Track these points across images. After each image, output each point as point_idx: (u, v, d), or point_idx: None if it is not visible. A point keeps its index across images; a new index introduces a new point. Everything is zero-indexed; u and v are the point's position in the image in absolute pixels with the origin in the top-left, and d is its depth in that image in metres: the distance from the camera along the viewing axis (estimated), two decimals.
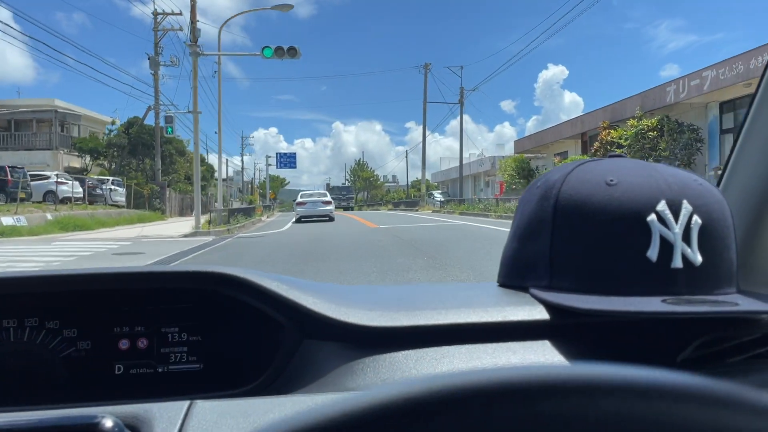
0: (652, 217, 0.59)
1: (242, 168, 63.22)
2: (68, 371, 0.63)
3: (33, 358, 0.63)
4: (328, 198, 22.30)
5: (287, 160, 60.73)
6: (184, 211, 29.76)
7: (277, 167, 60.80)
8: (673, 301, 0.55)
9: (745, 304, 0.55)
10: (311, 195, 23.46)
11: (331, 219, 21.10)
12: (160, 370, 0.65)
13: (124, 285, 0.64)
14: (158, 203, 28.04)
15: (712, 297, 0.56)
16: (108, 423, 0.46)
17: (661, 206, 0.59)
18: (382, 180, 77.20)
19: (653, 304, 0.54)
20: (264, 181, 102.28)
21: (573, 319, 0.59)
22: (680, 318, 0.54)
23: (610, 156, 0.68)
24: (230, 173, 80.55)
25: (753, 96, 0.74)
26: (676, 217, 0.59)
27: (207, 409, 0.50)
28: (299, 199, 22.87)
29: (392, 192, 70.08)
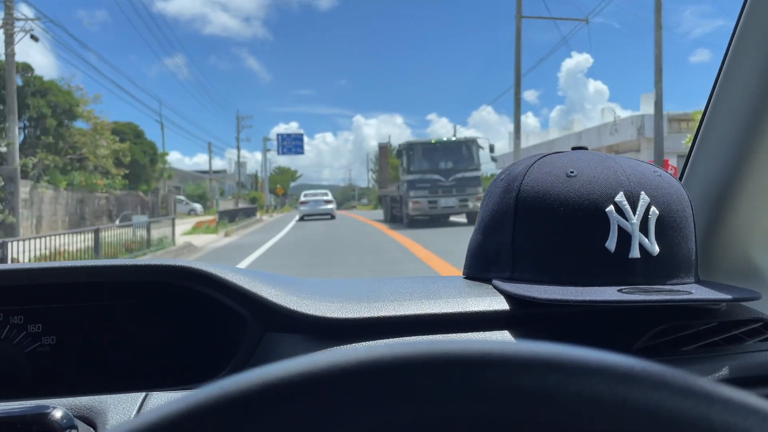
0: (611, 208, 0.62)
1: (238, 156, 45.45)
2: (33, 366, 0.65)
3: None
4: (330, 197, 24.98)
5: (292, 144, 47.12)
6: (82, 224, 15.58)
7: (279, 153, 47.35)
8: (629, 291, 0.57)
9: (698, 293, 0.58)
10: (315, 194, 26.62)
11: (332, 217, 23.66)
12: (124, 363, 0.65)
13: (86, 278, 0.66)
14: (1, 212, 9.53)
15: (668, 286, 0.59)
16: (57, 414, 0.48)
17: (620, 197, 0.62)
18: None
19: (609, 293, 0.57)
20: (273, 175, 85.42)
21: (533, 309, 0.61)
22: (637, 307, 0.57)
23: (574, 148, 0.71)
24: (223, 165, 61.88)
25: (712, 89, 0.79)
26: (634, 208, 0.62)
27: (162, 400, 0.52)
28: (302, 199, 26.14)
29: None
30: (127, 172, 17.59)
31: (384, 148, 29.03)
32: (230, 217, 18.07)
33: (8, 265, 0.65)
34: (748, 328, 0.62)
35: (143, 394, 0.54)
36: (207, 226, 15.11)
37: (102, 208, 16.52)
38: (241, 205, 44.25)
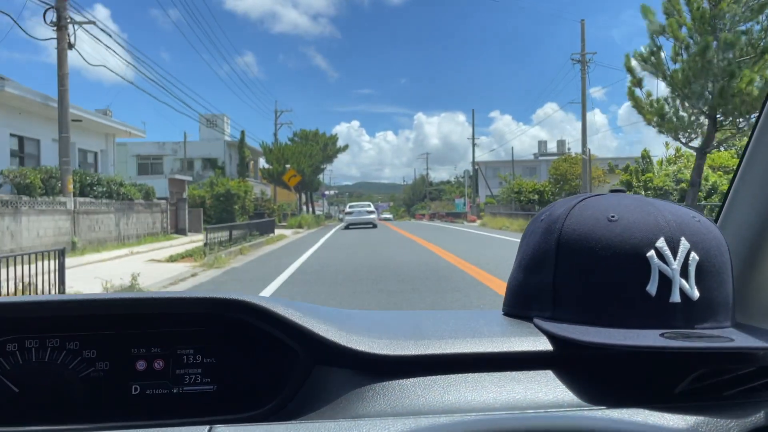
0: (652, 253, 0.70)
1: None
2: (87, 391, 0.75)
3: (53, 377, 0.74)
4: (371, 208, 32.70)
5: None
6: None
7: None
8: (671, 336, 0.67)
9: (740, 339, 0.68)
10: (359, 206, 33.71)
11: (374, 226, 31.88)
12: (175, 391, 0.76)
13: (142, 310, 0.77)
14: None
15: (708, 331, 0.71)
16: None
17: (660, 243, 0.71)
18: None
19: (651, 338, 0.67)
20: (292, 143, 42.53)
21: (575, 350, 0.70)
22: (678, 352, 0.71)
23: (612, 191, 0.83)
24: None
25: (751, 133, 0.91)
26: (675, 253, 0.71)
27: None
28: (347, 209, 33.85)
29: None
30: None
31: None
32: None
33: (68, 297, 0.78)
34: None
35: (207, 427, 0.62)
36: None
37: None
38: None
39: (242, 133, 38.42)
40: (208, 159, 39.97)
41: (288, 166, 38.11)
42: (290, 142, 46.50)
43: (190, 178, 30.79)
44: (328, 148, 47.30)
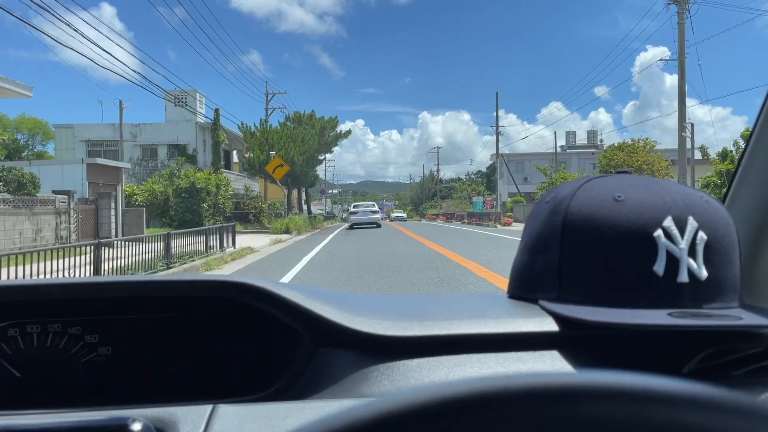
0: (659, 232, 0.72)
1: None
2: (89, 375, 0.77)
3: (56, 362, 0.76)
4: (376, 208, 34.38)
5: None
6: None
7: None
8: (679, 315, 0.69)
9: (748, 318, 0.70)
10: (364, 206, 35.34)
11: (378, 225, 32.93)
12: (179, 375, 0.77)
13: (146, 293, 0.79)
14: None
15: (716, 311, 0.73)
16: (137, 426, 0.56)
17: (668, 222, 0.72)
18: None
19: (659, 317, 0.68)
20: (282, 128, 33.50)
21: (581, 331, 0.72)
22: (686, 331, 0.70)
23: (618, 172, 0.84)
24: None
25: (758, 115, 0.92)
26: (682, 232, 0.72)
27: (229, 413, 0.62)
28: (351, 209, 35.94)
29: None
30: None
31: None
32: None
33: (69, 279, 0.79)
34: None
35: (211, 406, 0.63)
36: None
37: None
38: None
39: (216, 111, 31.33)
40: (175, 145, 32.34)
41: (273, 153, 30.43)
42: (289, 121, 38.37)
43: (127, 165, 23.17)
44: (326, 133, 39.72)
